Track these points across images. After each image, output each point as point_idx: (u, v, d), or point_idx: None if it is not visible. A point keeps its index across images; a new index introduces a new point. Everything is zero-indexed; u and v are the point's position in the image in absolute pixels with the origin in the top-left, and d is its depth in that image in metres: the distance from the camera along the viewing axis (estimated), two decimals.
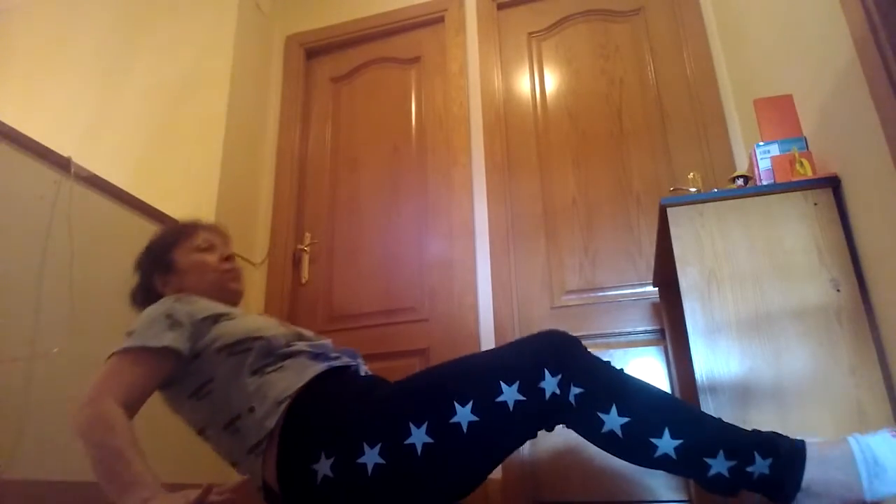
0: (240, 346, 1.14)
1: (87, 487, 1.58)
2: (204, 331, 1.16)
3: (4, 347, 1.45)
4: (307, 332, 1.29)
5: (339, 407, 1.05)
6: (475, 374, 1.00)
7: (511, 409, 0.95)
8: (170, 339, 1.12)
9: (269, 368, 1.13)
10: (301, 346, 1.19)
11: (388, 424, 0.98)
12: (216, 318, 1.19)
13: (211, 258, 1.36)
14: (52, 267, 1.59)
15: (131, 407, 1.07)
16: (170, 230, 1.42)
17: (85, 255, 1.70)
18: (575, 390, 0.96)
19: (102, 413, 1.01)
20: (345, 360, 1.21)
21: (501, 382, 0.96)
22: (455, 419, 0.95)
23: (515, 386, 0.96)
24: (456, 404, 0.96)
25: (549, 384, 0.96)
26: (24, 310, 1.51)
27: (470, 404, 0.96)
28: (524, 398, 0.96)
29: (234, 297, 1.38)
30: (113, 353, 1.13)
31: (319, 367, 1.14)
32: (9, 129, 1.53)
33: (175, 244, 1.37)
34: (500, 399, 0.96)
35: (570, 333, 1.06)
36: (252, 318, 1.25)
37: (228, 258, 1.38)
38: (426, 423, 0.96)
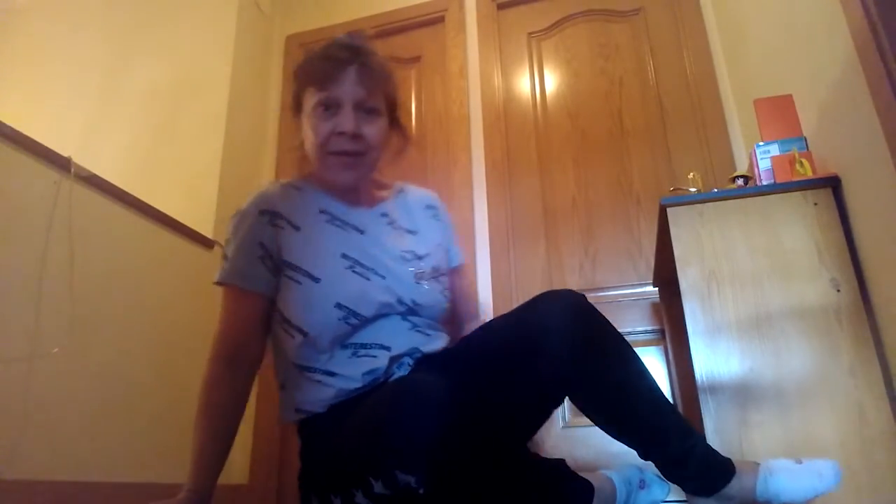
0: (287, 325, 1.01)
1: (87, 487, 1.58)
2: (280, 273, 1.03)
3: (4, 347, 1.45)
4: (410, 299, 1.05)
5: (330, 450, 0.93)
6: (351, 463, 0.85)
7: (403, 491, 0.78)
8: (263, 283, 1.02)
9: (308, 373, 1.00)
10: (352, 372, 0.98)
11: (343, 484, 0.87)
12: (288, 267, 1.02)
13: (323, 127, 1.04)
14: (52, 267, 1.59)
15: (244, 352, 1.03)
16: (309, 63, 1.09)
17: (85, 255, 1.69)
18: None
19: (205, 381, 1.01)
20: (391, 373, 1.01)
21: (370, 479, 0.80)
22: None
23: (380, 484, 0.79)
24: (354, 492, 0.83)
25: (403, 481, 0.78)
26: (24, 310, 1.51)
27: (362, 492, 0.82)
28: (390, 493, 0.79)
29: (340, 189, 1.11)
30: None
31: (347, 391, 0.98)
32: (9, 129, 1.53)
33: (304, 88, 1.09)
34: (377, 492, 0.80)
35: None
36: (323, 287, 0.99)
37: (342, 134, 1.03)
38: None
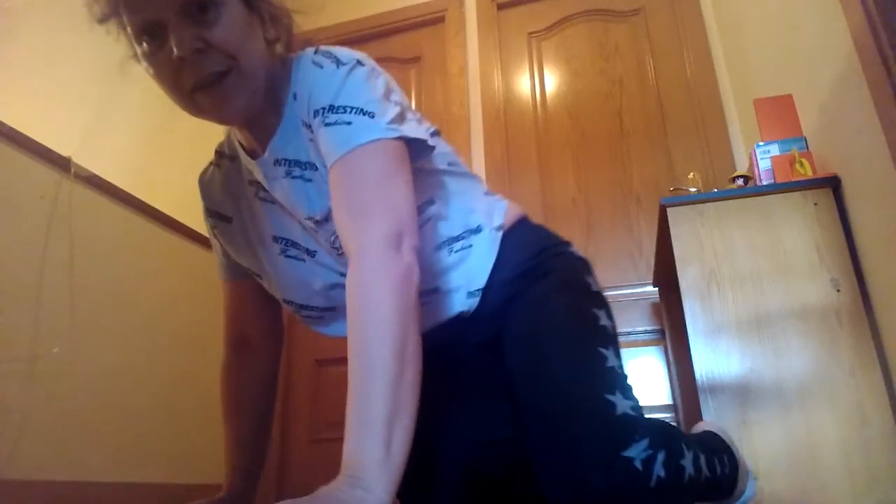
0: None
1: (87, 487, 1.58)
2: None
3: (4, 347, 1.45)
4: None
5: None
6: None
7: None
8: (235, 271, 0.99)
9: None
10: None
11: None
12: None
13: (162, 64, 0.72)
14: (52, 267, 1.59)
15: (247, 335, 0.99)
16: None
17: (85, 255, 1.69)
18: None
19: (220, 371, 0.96)
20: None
21: None
22: None
23: None
24: None
25: None
26: (24, 310, 1.51)
27: None
28: None
29: (244, 135, 0.83)
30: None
31: None
32: (9, 129, 1.53)
33: (121, 22, 0.75)
34: None
35: None
36: (267, 282, 0.90)
37: (183, 59, 0.69)
38: None
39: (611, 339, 0.81)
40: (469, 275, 0.83)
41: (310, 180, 0.79)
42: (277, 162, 0.80)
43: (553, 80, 2.51)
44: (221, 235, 0.94)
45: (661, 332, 2.05)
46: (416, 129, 0.75)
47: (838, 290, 1.30)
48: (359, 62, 0.75)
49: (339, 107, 0.71)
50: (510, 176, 2.41)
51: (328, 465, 2.21)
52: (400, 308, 0.60)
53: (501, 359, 0.83)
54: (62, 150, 1.68)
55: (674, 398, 1.96)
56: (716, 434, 0.98)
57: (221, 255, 0.98)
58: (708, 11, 2.36)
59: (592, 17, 2.53)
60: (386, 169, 0.68)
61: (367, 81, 0.74)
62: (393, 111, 0.73)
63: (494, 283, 0.84)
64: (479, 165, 2.45)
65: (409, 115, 0.77)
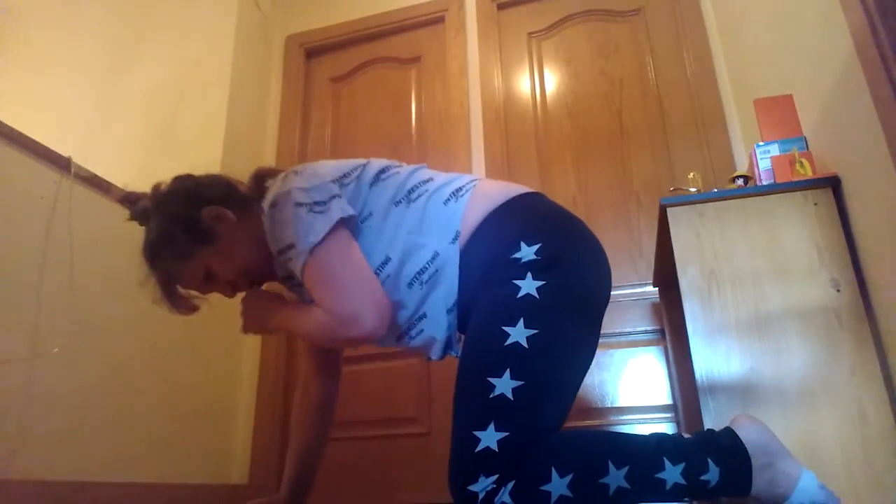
0: None
1: (87, 487, 1.58)
2: None
3: (4, 347, 1.45)
4: None
5: None
6: None
7: None
8: None
9: None
10: None
11: None
12: None
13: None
14: (52, 267, 1.59)
15: None
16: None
17: (85, 255, 1.70)
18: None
19: None
20: None
21: None
22: None
23: None
24: None
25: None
26: (24, 310, 1.51)
27: None
28: None
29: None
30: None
31: None
32: (9, 129, 1.53)
33: None
34: None
35: None
36: None
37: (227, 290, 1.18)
38: None
39: (515, 357, 0.85)
40: (446, 293, 0.98)
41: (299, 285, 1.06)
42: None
43: (553, 80, 2.51)
44: None
45: (661, 332, 2.05)
46: (332, 213, 0.94)
47: (838, 290, 1.30)
48: (271, 206, 0.96)
49: (279, 251, 0.98)
50: (510, 176, 2.41)
51: (329, 464, 2.21)
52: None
53: None
54: (62, 150, 1.67)
55: (674, 398, 1.96)
56: (725, 436, 0.91)
57: None
58: (708, 11, 2.36)
59: (592, 17, 2.53)
60: (322, 274, 0.94)
61: (280, 221, 0.95)
62: (305, 224, 0.93)
63: (467, 291, 0.97)
64: (478, 165, 2.45)
65: (328, 197, 0.96)
